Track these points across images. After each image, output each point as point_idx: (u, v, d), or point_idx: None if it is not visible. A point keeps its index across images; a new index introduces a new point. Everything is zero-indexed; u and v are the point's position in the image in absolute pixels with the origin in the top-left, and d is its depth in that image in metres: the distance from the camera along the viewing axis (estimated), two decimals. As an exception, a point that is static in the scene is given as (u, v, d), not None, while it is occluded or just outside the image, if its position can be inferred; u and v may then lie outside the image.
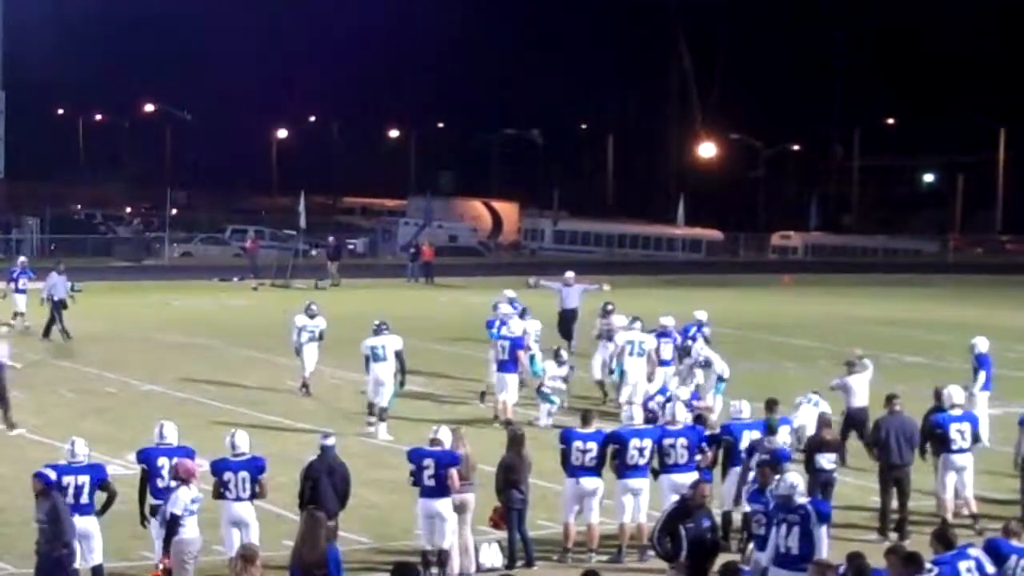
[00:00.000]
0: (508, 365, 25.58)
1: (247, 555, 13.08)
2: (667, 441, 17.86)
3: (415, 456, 16.74)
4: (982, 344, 25.21)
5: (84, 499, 15.47)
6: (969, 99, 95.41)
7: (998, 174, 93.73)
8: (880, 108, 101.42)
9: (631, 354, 25.74)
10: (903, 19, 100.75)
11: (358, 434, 24.29)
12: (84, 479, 15.46)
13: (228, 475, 16.12)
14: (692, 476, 17.21)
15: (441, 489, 16.54)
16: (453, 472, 16.56)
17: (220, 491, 16.14)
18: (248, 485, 16.10)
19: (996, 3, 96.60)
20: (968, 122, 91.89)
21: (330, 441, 16.84)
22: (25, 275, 37.43)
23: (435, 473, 16.52)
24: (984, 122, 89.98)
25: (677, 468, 17.71)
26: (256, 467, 16.22)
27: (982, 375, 24.75)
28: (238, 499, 16.11)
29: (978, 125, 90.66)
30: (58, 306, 34.84)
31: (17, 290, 37.20)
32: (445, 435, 16.86)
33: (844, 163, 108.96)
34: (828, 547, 14.69)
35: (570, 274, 34.31)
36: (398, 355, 24.52)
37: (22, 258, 40.18)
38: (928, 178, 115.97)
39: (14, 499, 18.81)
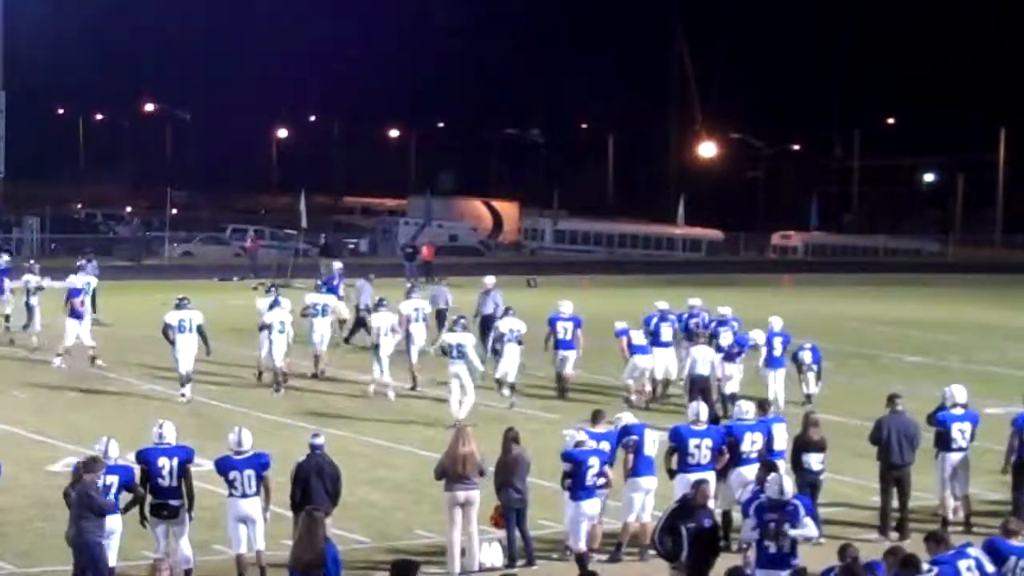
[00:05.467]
0: (568, 343, 28.17)
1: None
2: (692, 441, 17.80)
3: (579, 456, 17.03)
4: (776, 323, 27.71)
5: (111, 498, 15.54)
6: (969, 99, 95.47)
7: (998, 174, 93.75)
8: (880, 108, 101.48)
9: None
10: (903, 19, 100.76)
11: (357, 432, 24.32)
12: (113, 479, 15.58)
13: (233, 474, 16.20)
14: (711, 476, 17.19)
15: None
16: (608, 469, 17.14)
17: (228, 489, 16.23)
18: (254, 482, 16.19)
19: (996, 3, 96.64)
20: (968, 122, 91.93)
21: (319, 440, 16.84)
22: (344, 280, 35.85)
23: (600, 471, 17.06)
24: (984, 122, 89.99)
25: (698, 468, 17.53)
26: (260, 464, 16.30)
27: (763, 350, 27.03)
28: (244, 496, 16.18)
29: (978, 125, 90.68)
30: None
31: (339, 299, 34.69)
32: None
33: (844, 163, 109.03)
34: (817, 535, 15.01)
35: (490, 279, 33.81)
36: (200, 328, 27.48)
37: (337, 264, 37.85)
38: (928, 178, 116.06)
39: (14, 499, 18.80)
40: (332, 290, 34.54)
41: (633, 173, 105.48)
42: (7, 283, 36.05)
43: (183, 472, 16.09)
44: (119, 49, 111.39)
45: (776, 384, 26.90)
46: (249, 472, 16.17)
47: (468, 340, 25.69)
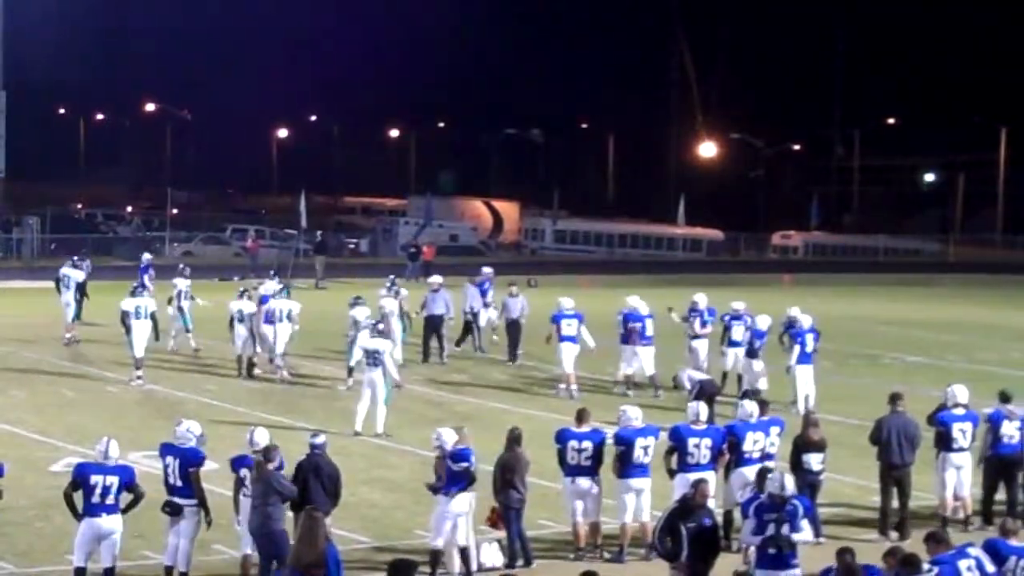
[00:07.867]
0: (624, 338, 28.72)
1: None
2: (692, 441, 17.79)
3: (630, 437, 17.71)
4: (805, 321, 27.52)
5: (111, 499, 15.49)
6: (969, 99, 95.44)
7: (998, 174, 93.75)
8: (880, 108, 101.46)
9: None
10: (903, 19, 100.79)
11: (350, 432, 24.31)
12: (113, 480, 15.49)
13: (245, 471, 16.13)
14: (710, 476, 17.17)
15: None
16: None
17: (240, 488, 16.16)
18: None
19: (996, 4, 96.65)
20: (968, 122, 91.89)
21: (319, 440, 16.81)
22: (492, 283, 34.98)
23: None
24: (984, 122, 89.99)
25: (698, 467, 17.50)
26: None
27: (796, 348, 26.92)
28: None
29: (978, 125, 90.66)
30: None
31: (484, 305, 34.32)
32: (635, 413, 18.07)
33: (845, 163, 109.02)
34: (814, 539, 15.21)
35: (436, 279, 33.78)
36: (153, 315, 29.06)
37: (488, 269, 36.33)
38: (929, 178, 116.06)
39: (15, 499, 18.74)
40: (484, 295, 34.21)
41: (633, 173, 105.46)
42: (147, 280, 36.75)
43: (184, 473, 16.02)
44: (119, 49, 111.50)
45: (805, 382, 26.92)
46: None
47: (386, 347, 24.82)
